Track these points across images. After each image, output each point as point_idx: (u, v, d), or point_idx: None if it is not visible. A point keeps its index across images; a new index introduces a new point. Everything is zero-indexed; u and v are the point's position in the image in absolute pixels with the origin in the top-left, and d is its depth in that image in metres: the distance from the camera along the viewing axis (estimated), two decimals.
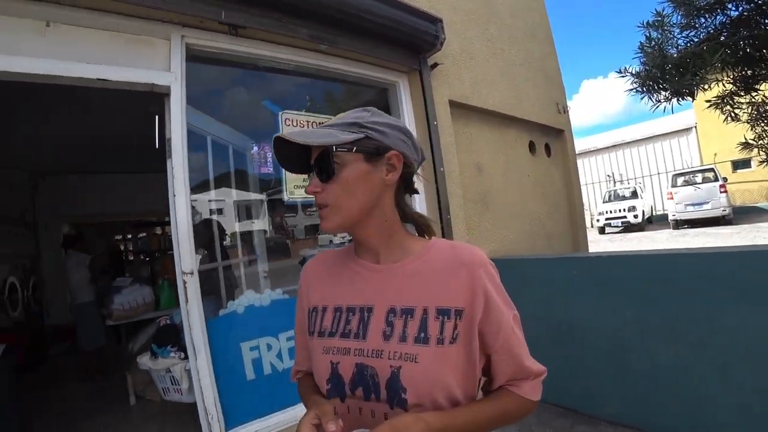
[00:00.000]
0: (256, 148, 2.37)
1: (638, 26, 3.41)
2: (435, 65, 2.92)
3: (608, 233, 13.98)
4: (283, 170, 2.36)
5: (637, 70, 3.46)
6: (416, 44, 2.67)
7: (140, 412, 3.34)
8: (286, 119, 2.39)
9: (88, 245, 4.62)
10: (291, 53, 2.32)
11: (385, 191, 0.75)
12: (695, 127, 17.30)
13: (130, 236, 8.93)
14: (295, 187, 2.42)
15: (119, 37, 1.88)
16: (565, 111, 4.74)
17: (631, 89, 3.54)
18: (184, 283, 1.83)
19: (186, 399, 2.37)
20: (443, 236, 2.77)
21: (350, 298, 0.78)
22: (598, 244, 10.99)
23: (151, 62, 1.93)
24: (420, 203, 2.86)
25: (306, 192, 0.75)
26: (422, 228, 0.84)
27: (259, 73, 2.42)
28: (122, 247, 8.87)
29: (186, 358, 2.27)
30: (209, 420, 1.83)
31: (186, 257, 1.86)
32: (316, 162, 0.73)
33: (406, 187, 0.82)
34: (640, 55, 3.42)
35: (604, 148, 20.92)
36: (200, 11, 1.89)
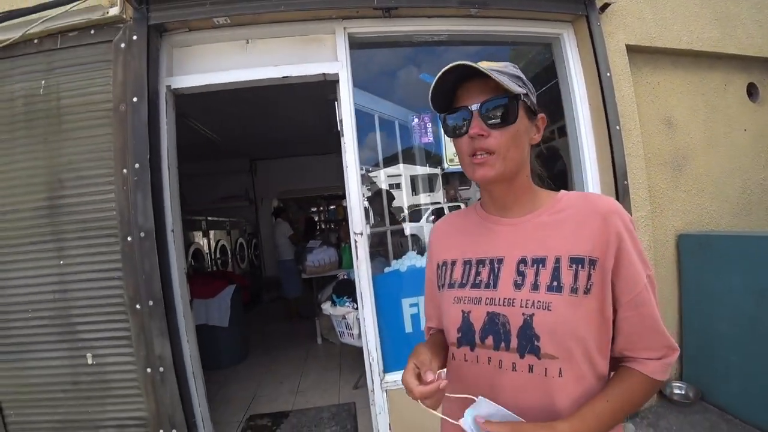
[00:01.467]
0: (416, 120, 2.51)
1: None
2: (605, 6, 2.51)
3: None
4: (443, 139, 2.47)
5: None
6: None
7: (324, 350, 4.14)
8: None
9: (290, 215, 5.78)
10: (443, 24, 2.36)
11: (529, 149, 0.78)
12: None
13: (322, 208, 10.62)
14: (454, 154, 2.49)
15: (295, 41, 2.28)
16: None
17: None
18: (355, 242, 2.14)
19: (356, 343, 2.81)
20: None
21: (480, 251, 0.80)
22: None
23: (321, 55, 2.26)
24: (591, 167, 2.58)
25: (470, 133, 0.71)
26: (546, 182, 0.85)
27: (415, 49, 2.53)
28: (316, 217, 10.58)
29: (357, 308, 2.65)
30: (371, 361, 2.14)
31: (357, 220, 2.17)
32: (489, 104, 0.71)
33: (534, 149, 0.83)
34: None
35: None
36: (355, 2, 2.12)
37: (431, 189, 2.90)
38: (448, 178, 2.80)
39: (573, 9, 2.46)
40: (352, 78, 2.24)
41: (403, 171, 2.80)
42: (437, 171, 2.62)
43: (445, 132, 0.78)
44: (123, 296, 1.95)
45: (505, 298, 0.72)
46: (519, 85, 0.72)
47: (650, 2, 2.75)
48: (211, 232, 5.62)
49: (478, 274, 0.78)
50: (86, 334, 1.99)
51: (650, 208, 2.63)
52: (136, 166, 1.94)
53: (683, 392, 2.56)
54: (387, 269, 2.36)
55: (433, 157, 2.59)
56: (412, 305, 2.28)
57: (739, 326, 2.28)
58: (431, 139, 2.50)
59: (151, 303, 1.93)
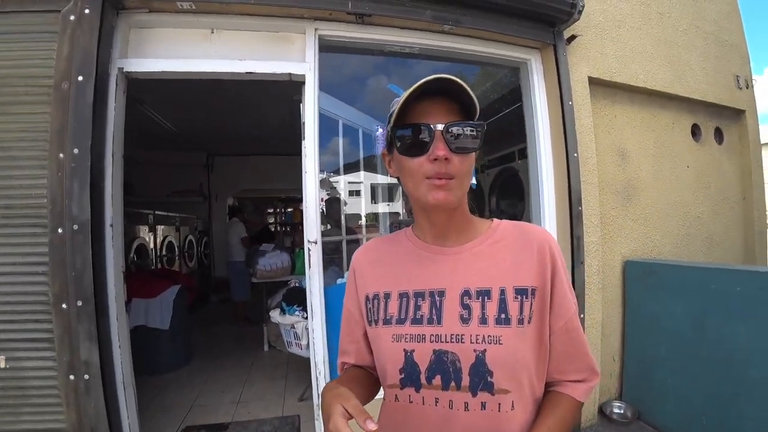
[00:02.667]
0: (380, 130, 2.48)
1: None
2: (572, 38, 2.62)
3: None
4: None
5: None
6: (549, 16, 2.43)
7: (270, 358, 3.99)
8: None
9: (246, 216, 5.57)
10: (415, 36, 2.35)
11: None
12: None
13: (279, 210, 10.36)
14: None
15: (264, 36, 2.18)
16: (748, 86, 3.81)
17: None
18: (308, 250, 2.06)
19: (304, 354, 2.71)
20: (572, 230, 2.53)
21: (417, 283, 0.75)
22: None
23: (289, 55, 2.18)
24: (548, 192, 2.65)
25: (436, 155, 0.65)
26: (475, 210, 0.83)
27: (386, 58, 2.51)
28: (272, 219, 10.31)
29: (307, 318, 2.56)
30: (317, 374, 2.06)
31: (312, 228, 2.09)
32: (456, 127, 0.67)
33: None
34: None
35: None
36: (329, 4, 2.06)
37: (391, 199, 2.88)
38: None
39: (542, 37, 2.54)
40: (318, 81, 2.17)
41: (364, 179, 2.76)
42: (396, 181, 2.61)
43: (398, 148, 0.70)
44: (48, 294, 1.76)
45: (452, 334, 0.68)
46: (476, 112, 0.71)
47: (613, 40, 2.90)
48: (159, 228, 5.30)
49: (417, 308, 0.72)
50: (1, 334, 1.77)
51: (601, 234, 2.74)
52: (75, 151, 1.76)
53: (622, 411, 2.66)
54: (340, 280, 2.29)
55: None
56: None
57: (676, 350, 2.40)
58: None
59: (79, 303, 1.75)
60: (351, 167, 2.69)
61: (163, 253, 5.39)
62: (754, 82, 3.93)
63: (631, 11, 3.04)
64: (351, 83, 2.62)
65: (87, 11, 1.82)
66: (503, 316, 0.68)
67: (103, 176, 1.89)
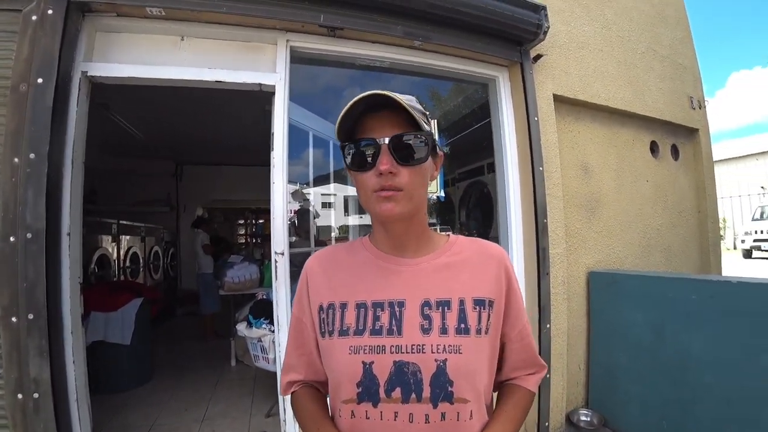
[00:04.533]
0: None
1: None
2: (538, 57, 2.73)
3: (757, 258, 11.65)
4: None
5: None
6: (516, 35, 2.53)
7: (238, 374, 3.86)
8: None
9: (212, 227, 5.45)
10: (386, 51, 2.38)
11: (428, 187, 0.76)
12: None
13: (250, 221, 10.16)
14: None
15: (234, 45, 2.17)
16: (701, 106, 4.06)
17: None
18: (275, 261, 2.03)
19: (271, 368, 2.64)
20: (538, 242, 2.60)
21: (376, 293, 0.73)
22: (739, 270, 9.24)
23: (260, 65, 2.17)
24: (515, 205, 2.72)
25: (380, 169, 0.66)
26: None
27: (356, 71, 2.54)
28: (242, 231, 10.10)
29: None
30: None
31: (279, 239, 2.06)
32: (401, 140, 0.67)
33: None
34: None
35: (759, 153, 17.41)
36: (301, 17, 2.06)
37: (363, 212, 2.88)
38: None
39: (509, 55, 2.63)
40: (289, 92, 2.17)
41: (336, 191, 2.76)
42: None
43: (347, 164, 0.72)
44: None
45: (413, 345, 0.68)
46: (425, 122, 0.70)
47: (576, 60, 3.03)
48: (123, 238, 5.11)
49: (376, 318, 0.71)
50: None
51: (566, 245, 2.82)
52: (31, 156, 1.68)
53: (588, 419, 2.71)
54: None
55: None
56: None
57: (639, 358, 2.48)
58: None
59: (30, 316, 1.65)
60: (322, 179, 2.68)
61: (127, 264, 5.20)
62: (706, 103, 4.19)
63: (594, 34, 3.19)
64: (322, 95, 2.64)
65: (50, 12, 1.76)
66: (463, 325, 0.69)
67: (61, 183, 1.80)
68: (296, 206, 2.67)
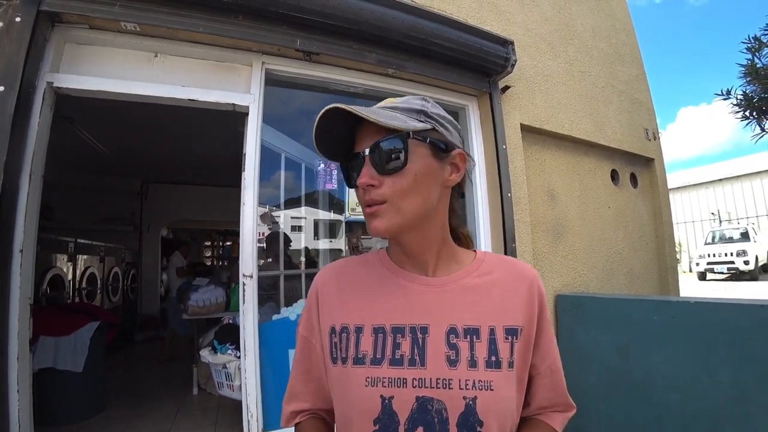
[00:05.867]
0: (322, 165, 2.51)
1: (743, 42, 3.05)
2: (506, 88, 2.86)
3: (710, 280, 12.27)
4: (347, 188, 2.46)
5: (743, 92, 3.07)
6: (486, 67, 2.65)
7: (200, 403, 3.64)
8: None
9: (189, 250, 5.32)
10: (360, 77, 2.44)
11: (444, 193, 0.66)
12: None
13: (217, 243, 9.89)
14: (357, 204, 2.48)
15: (209, 65, 2.16)
16: (656, 138, 4.33)
17: (736, 112, 3.15)
18: (243, 284, 1.97)
19: (236, 396, 2.53)
20: None
21: (394, 316, 0.64)
22: (695, 291, 9.70)
23: (234, 85, 2.17)
24: (484, 229, 2.78)
25: (357, 183, 0.61)
26: (461, 238, 0.74)
27: (330, 96, 2.57)
28: (208, 253, 9.82)
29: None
30: (249, 418, 1.93)
31: (248, 261, 2.01)
32: (375, 148, 0.60)
33: (460, 191, 0.73)
34: (745, 75, 3.04)
35: (708, 182, 18.60)
36: (278, 40, 2.09)
37: (333, 235, 2.86)
38: (351, 226, 2.78)
39: (479, 86, 2.74)
40: (262, 113, 2.17)
41: (306, 214, 2.74)
42: (341, 218, 2.60)
43: (346, 183, 0.68)
44: None
45: (438, 379, 0.59)
46: (420, 120, 0.62)
47: (543, 92, 3.19)
48: (80, 257, 4.85)
49: (396, 346, 0.62)
50: None
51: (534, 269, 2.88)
52: None
53: None
54: (276, 316, 2.20)
55: (336, 204, 2.57)
56: None
57: (605, 378, 2.53)
58: (335, 185, 2.50)
59: None
60: (293, 202, 2.66)
61: (83, 285, 4.90)
62: (660, 135, 4.47)
63: (558, 68, 3.38)
64: (296, 118, 2.64)
65: (18, 20, 1.70)
66: (494, 358, 0.61)
67: (16, 196, 1.70)
68: (265, 229, 2.63)
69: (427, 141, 0.62)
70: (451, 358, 0.60)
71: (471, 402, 0.58)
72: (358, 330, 0.65)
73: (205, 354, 2.73)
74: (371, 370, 0.61)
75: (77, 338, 3.21)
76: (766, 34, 2.99)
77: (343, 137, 0.65)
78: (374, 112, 0.60)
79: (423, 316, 0.64)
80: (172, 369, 4.65)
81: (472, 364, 0.60)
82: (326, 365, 0.69)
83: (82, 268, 4.92)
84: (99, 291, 5.28)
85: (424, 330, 0.62)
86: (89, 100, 2.01)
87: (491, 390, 0.58)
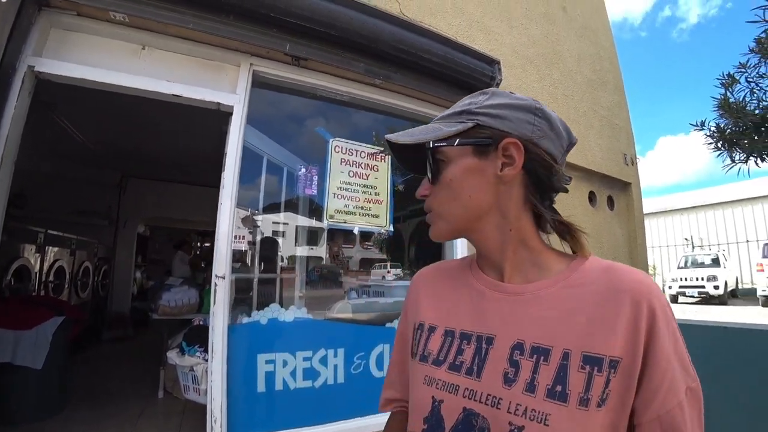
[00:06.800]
0: (303, 170, 2.50)
1: (718, 78, 3.19)
2: None
3: (682, 303, 12.62)
4: (327, 194, 2.45)
5: (716, 124, 3.22)
6: (471, 84, 2.69)
7: (164, 407, 3.51)
8: (336, 146, 2.50)
9: (191, 248, 5.33)
10: (347, 85, 2.46)
11: (505, 189, 0.59)
12: None
13: (196, 243, 9.70)
14: (336, 211, 2.49)
15: (197, 62, 2.14)
16: (633, 163, 4.47)
17: (709, 143, 3.28)
18: (215, 285, 1.94)
19: (202, 400, 2.47)
20: None
21: (466, 321, 0.62)
22: None
23: (221, 84, 2.16)
24: (461, 245, 2.80)
25: (416, 195, 0.65)
26: (570, 240, 0.62)
27: (316, 102, 2.58)
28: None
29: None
30: (213, 423, 1.88)
31: (221, 262, 1.98)
32: (426, 162, 0.63)
33: (545, 183, 0.60)
34: (718, 109, 3.18)
35: (683, 209, 19.26)
36: (267, 43, 2.10)
37: (315, 243, 2.84)
38: (333, 234, 2.77)
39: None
40: (247, 114, 2.16)
41: (287, 220, 2.72)
42: (323, 225, 2.58)
43: None
44: None
45: (489, 395, 0.54)
46: (460, 121, 0.60)
47: None
48: (49, 249, 4.68)
49: (460, 352, 0.59)
50: None
51: None
52: None
53: None
54: (246, 319, 2.16)
55: (315, 210, 2.56)
56: (268, 362, 2.10)
57: None
58: (315, 191, 2.49)
59: None
60: (273, 206, 2.64)
61: (50, 279, 4.73)
62: (638, 161, 4.62)
63: (541, 90, 3.47)
64: (282, 122, 2.63)
65: (4, 0, 1.67)
66: (559, 388, 0.50)
67: None
68: (246, 233, 2.59)
69: (455, 144, 0.59)
70: (509, 376, 0.54)
71: (516, 431, 0.50)
72: (431, 329, 0.65)
73: (173, 355, 2.66)
74: (431, 370, 0.61)
75: (39, 333, 3.08)
76: (739, 72, 3.13)
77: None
78: (408, 134, 0.63)
79: (492, 325, 0.59)
80: (139, 370, 4.51)
81: (530, 388, 0.52)
82: (409, 358, 0.70)
83: (51, 261, 4.75)
84: (67, 285, 5.10)
85: (490, 341, 0.58)
86: (73, 88, 1.97)
87: (546, 425, 0.49)
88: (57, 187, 5.78)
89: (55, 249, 4.84)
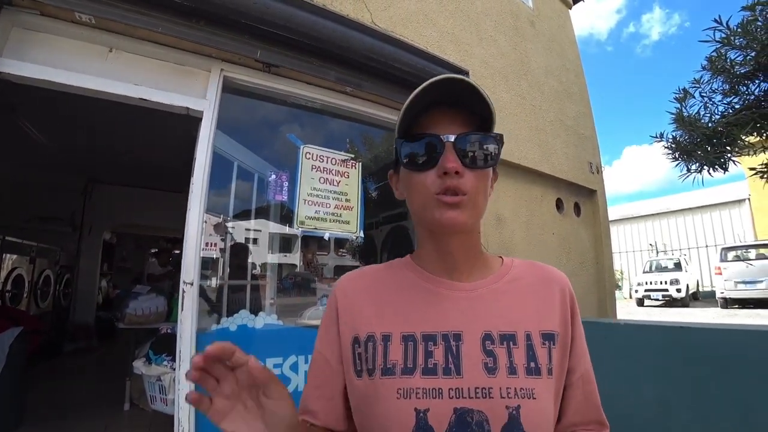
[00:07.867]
0: (273, 176, 2.49)
1: (673, 93, 3.38)
2: None
3: (647, 306, 13.12)
4: (297, 200, 2.44)
5: (673, 136, 3.39)
6: None
7: (130, 420, 3.40)
8: (306, 153, 2.50)
9: (169, 257, 5.33)
10: (318, 93, 2.47)
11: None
12: (749, 198, 16.19)
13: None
14: (306, 217, 2.48)
15: (166, 66, 2.11)
16: (599, 171, 4.65)
17: (667, 154, 3.46)
18: (183, 291, 1.91)
19: (169, 411, 2.41)
20: None
21: (424, 323, 0.61)
22: (633, 316, 10.32)
23: (190, 89, 2.13)
24: None
25: (446, 167, 0.57)
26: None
27: (287, 108, 2.58)
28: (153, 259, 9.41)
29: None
30: None
31: (189, 268, 1.95)
32: (468, 139, 0.59)
33: None
34: (674, 122, 3.36)
35: (647, 216, 20.07)
36: (239, 49, 2.10)
37: (288, 250, 2.83)
38: (307, 241, 2.76)
39: None
40: (217, 119, 2.14)
41: (259, 226, 2.70)
42: (296, 232, 2.58)
43: (404, 163, 0.63)
44: None
45: (477, 388, 0.55)
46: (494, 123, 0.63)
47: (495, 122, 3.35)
48: (6, 257, 4.48)
49: (429, 354, 0.58)
50: None
51: None
52: None
53: None
54: (215, 327, 2.14)
55: (286, 216, 2.55)
56: None
57: None
58: (286, 198, 2.48)
59: None
60: (244, 213, 2.63)
61: (8, 288, 4.52)
62: (603, 169, 4.81)
63: (510, 100, 3.58)
64: (253, 128, 2.62)
65: None
66: (533, 365, 0.58)
67: None
68: (217, 239, 2.56)
69: (500, 149, 0.62)
70: (489, 365, 0.57)
71: (515, 412, 0.54)
72: (386, 338, 0.61)
73: (139, 365, 2.59)
74: (402, 381, 0.57)
75: None
76: (693, 87, 3.31)
77: (415, 116, 0.62)
78: (487, 105, 0.61)
79: (456, 322, 0.60)
80: (103, 382, 4.33)
81: (512, 371, 0.57)
82: (349, 380, 0.64)
83: (9, 269, 4.54)
84: (26, 295, 4.88)
85: (458, 337, 0.59)
86: (36, 90, 1.91)
87: (534, 398, 0.55)
88: (16, 192, 5.53)
89: (14, 257, 4.63)
